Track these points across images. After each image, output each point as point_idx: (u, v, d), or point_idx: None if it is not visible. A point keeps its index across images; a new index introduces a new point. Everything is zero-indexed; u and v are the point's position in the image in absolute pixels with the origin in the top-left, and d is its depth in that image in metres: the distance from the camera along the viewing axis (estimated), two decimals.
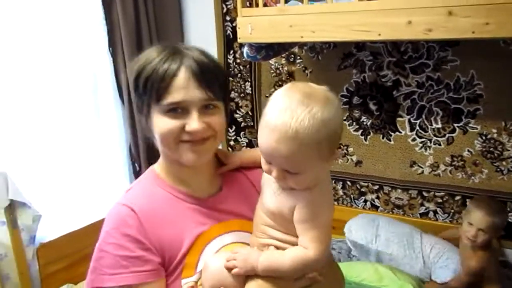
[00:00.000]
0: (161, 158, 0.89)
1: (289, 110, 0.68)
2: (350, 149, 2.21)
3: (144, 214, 0.80)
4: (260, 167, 0.80)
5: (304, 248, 0.73)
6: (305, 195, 0.74)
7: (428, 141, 2.01)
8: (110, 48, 2.10)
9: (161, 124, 0.79)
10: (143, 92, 0.80)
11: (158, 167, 0.90)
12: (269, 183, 0.80)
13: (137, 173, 2.30)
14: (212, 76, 0.80)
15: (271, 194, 0.79)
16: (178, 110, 0.79)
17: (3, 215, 1.76)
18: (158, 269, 0.78)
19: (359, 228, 2.00)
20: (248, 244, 0.84)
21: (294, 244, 0.75)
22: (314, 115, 0.67)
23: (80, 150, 2.05)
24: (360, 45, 2.06)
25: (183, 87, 0.77)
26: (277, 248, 0.77)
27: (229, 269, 0.74)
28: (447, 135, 1.97)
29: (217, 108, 0.82)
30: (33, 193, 1.83)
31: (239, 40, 1.81)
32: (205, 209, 0.85)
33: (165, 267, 0.79)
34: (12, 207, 1.76)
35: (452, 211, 2.03)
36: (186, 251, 0.80)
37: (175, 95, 0.78)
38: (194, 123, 0.78)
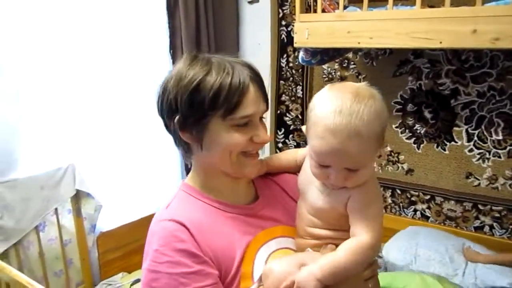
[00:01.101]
0: (197, 171, 0.87)
1: (345, 109, 0.69)
2: (401, 157, 2.17)
3: (194, 226, 0.77)
4: (285, 172, 0.92)
5: (358, 237, 0.73)
6: (361, 186, 0.75)
7: (487, 153, 1.94)
8: (171, 51, 2.21)
9: (228, 137, 0.78)
10: (209, 106, 0.76)
11: (191, 180, 0.88)
12: (311, 184, 0.80)
13: (188, 170, 2.39)
14: (265, 89, 0.83)
15: (318, 194, 0.79)
16: (248, 123, 0.79)
17: (69, 204, 1.91)
18: (218, 283, 0.75)
19: (398, 250, 1.91)
20: (292, 249, 0.84)
21: (343, 238, 0.75)
22: (370, 109, 0.69)
23: (139, 146, 2.16)
24: (417, 52, 2.02)
25: (255, 100, 0.78)
26: (332, 244, 0.78)
27: None
28: (508, 147, 1.89)
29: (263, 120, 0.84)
30: (95, 184, 1.96)
31: (295, 45, 1.83)
32: (247, 217, 0.84)
33: (221, 279, 0.76)
34: (78, 197, 1.90)
35: (511, 226, 1.94)
36: (240, 261, 0.78)
37: (248, 108, 0.77)
38: (265, 135, 0.80)
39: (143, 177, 2.19)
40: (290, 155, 0.94)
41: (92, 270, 2.01)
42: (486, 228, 2.00)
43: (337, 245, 0.75)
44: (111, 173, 2.05)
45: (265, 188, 0.92)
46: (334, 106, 0.70)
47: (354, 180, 0.73)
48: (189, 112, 0.77)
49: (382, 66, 2.14)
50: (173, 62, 2.22)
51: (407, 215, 2.21)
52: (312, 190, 0.80)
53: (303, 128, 0.79)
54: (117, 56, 2.02)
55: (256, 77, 0.80)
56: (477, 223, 2.02)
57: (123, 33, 2.03)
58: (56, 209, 1.85)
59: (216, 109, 0.76)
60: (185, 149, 0.83)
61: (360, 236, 0.73)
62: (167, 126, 0.83)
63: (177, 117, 0.78)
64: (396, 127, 2.15)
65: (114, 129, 2.05)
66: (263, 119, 0.84)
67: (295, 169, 0.91)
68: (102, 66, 1.98)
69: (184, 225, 0.76)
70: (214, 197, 0.84)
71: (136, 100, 2.10)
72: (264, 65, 2.46)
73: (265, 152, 2.40)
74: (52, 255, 1.89)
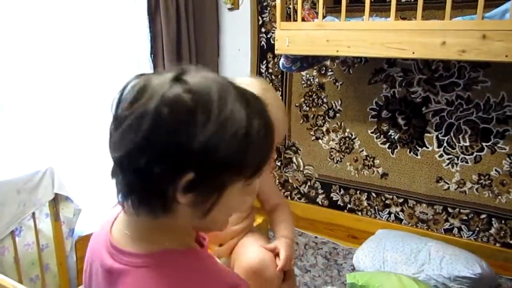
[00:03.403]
0: (172, 230, 0.63)
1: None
2: (377, 161, 2.26)
3: None
4: None
5: (283, 205, 1.05)
6: None
7: (456, 158, 2.05)
8: (152, 56, 2.22)
9: (240, 202, 0.62)
10: (244, 166, 0.56)
11: (178, 243, 0.64)
12: None
13: None
14: None
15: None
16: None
17: (47, 208, 1.88)
18: None
19: (367, 256, 1.99)
20: None
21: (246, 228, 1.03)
22: None
23: None
24: (391, 61, 2.11)
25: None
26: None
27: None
28: (475, 153, 2.00)
29: None
30: (74, 188, 1.94)
31: (276, 52, 1.89)
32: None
33: None
34: (56, 201, 1.87)
35: (478, 229, 2.05)
36: None
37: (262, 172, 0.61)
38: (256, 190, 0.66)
39: None
40: None
41: (70, 275, 1.98)
42: (455, 230, 2.11)
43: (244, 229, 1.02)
44: (91, 177, 2.03)
45: None
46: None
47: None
48: (215, 168, 0.54)
49: (358, 73, 2.22)
50: (154, 67, 2.23)
51: (381, 217, 2.30)
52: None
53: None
54: (97, 60, 2.02)
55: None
56: (446, 225, 2.13)
57: (103, 37, 2.03)
58: (33, 213, 1.82)
59: (248, 169, 0.57)
60: (161, 207, 0.57)
61: (283, 203, 1.06)
62: (138, 173, 0.54)
63: (187, 176, 0.54)
64: (372, 133, 2.24)
65: (94, 133, 2.04)
66: None
67: None
68: (82, 69, 1.97)
69: None
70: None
71: None
72: (244, 71, 2.50)
73: None
74: (28, 261, 1.86)
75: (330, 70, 2.30)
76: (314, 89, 2.37)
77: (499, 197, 1.97)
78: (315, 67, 2.29)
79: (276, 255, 0.95)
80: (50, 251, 1.91)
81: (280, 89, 2.48)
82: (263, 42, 2.46)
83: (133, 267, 0.59)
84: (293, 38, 1.82)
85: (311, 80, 2.37)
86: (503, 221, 1.98)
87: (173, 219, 0.59)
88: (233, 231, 0.96)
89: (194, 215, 0.59)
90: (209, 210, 0.58)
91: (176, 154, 0.52)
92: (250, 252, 0.92)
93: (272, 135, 0.59)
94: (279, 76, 2.46)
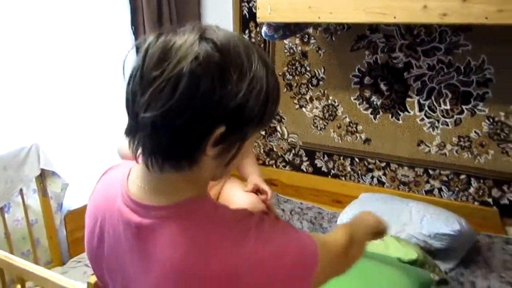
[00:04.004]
0: (194, 182, 0.64)
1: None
2: (359, 127, 2.30)
3: None
4: None
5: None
6: None
7: (436, 122, 2.10)
8: (133, 27, 2.18)
9: (251, 145, 0.67)
10: (264, 114, 0.61)
11: (200, 193, 0.65)
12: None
13: None
14: None
15: None
16: None
17: (34, 184, 1.88)
18: None
19: (350, 219, 2.04)
20: None
21: None
22: None
23: (105, 123, 2.15)
24: (373, 28, 2.12)
25: None
26: None
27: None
28: (455, 116, 2.05)
29: None
30: (61, 163, 1.94)
31: (258, 20, 1.87)
32: None
33: None
34: (43, 176, 1.87)
35: (457, 189, 2.13)
36: None
37: None
38: None
39: (109, 154, 2.17)
40: None
41: (61, 249, 2.01)
42: (436, 191, 2.19)
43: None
44: (77, 151, 2.03)
45: None
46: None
47: None
48: (243, 121, 0.58)
49: (341, 41, 2.22)
50: (136, 39, 2.19)
51: (365, 182, 2.36)
52: None
53: None
54: (79, 33, 1.97)
55: None
56: (427, 187, 2.20)
57: (83, 10, 1.97)
58: (21, 189, 1.82)
59: (265, 121, 0.63)
60: (188, 162, 0.59)
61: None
62: (173, 132, 0.56)
63: (219, 130, 0.56)
64: (355, 99, 2.27)
65: (78, 107, 2.02)
66: None
67: None
68: (64, 43, 1.93)
69: None
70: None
71: (99, 77, 2.07)
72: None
73: None
74: (18, 236, 1.88)
75: (312, 38, 2.30)
76: (297, 58, 2.37)
77: (478, 157, 2.05)
78: (297, 35, 2.28)
79: (257, 191, 1.17)
80: (40, 226, 1.93)
81: None
82: (245, 11, 2.43)
83: (164, 219, 0.61)
84: (275, 6, 1.81)
85: (294, 48, 2.36)
86: (481, 181, 2.06)
87: (197, 171, 0.61)
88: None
89: (217, 165, 0.62)
90: (231, 159, 0.62)
91: (213, 112, 0.55)
92: (238, 198, 0.98)
93: (280, 91, 0.66)
94: (262, 45, 2.45)
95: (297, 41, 2.34)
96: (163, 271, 0.60)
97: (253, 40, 2.46)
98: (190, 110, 0.54)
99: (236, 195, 1.16)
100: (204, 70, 0.54)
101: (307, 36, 2.31)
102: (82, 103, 2.04)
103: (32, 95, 1.84)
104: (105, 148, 2.17)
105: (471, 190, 2.10)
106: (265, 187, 1.22)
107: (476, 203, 2.10)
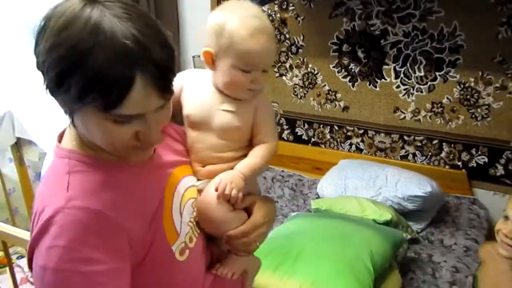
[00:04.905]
0: (78, 133, 0.69)
1: (257, 13, 0.79)
2: (338, 95, 2.33)
3: (111, 208, 0.65)
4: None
5: (269, 143, 0.85)
6: (263, 97, 0.86)
7: (411, 88, 2.15)
8: None
9: (103, 130, 0.63)
10: (77, 95, 0.60)
11: (76, 144, 0.70)
12: (215, 110, 0.83)
13: None
14: (172, 76, 0.63)
15: (226, 115, 0.83)
16: (131, 119, 0.63)
17: (10, 153, 1.85)
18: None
19: (330, 184, 2.12)
20: (195, 186, 0.84)
21: (241, 156, 0.85)
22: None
23: None
24: None
25: (141, 99, 0.60)
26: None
27: (226, 195, 0.79)
28: (429, 83, 2.11)
29: (168, 101, 0.67)
30: (38, 132, 1.91)
31: None
32: (152, 172, 0.76)
33: (138, 242, 0.68)
34: (19, 145, 1.85)
35: (430, 154, 2.21)
36: (159, 218, 0.72)
37: (129, 109, 0.60)
38: (155, 136, 0.67)
39: None
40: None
41: None
42: (410, 157, 2.26)
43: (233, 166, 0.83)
44: (53, 120, 1.99)
45: None
46: (248, 12, 0.78)
47: (264, 81, 0.84)
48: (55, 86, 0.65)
49: (319, 7, 2.22)
50: None
51: (344, 149, 2.42)
52: (219, 114, 0.83)
53: (206, 50, 0.80)
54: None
55: (162, 69, 0.60)
56: (402, 152, 2.28)
57: None
58: None
59: (82, 100, 0.60)
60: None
61: (271, 142, 0.86)
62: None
63: (45, 78, 0.65)
64: (333, 67, 2.29)
65: None
66: (168, 102, 0.67)
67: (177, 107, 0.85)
68: (38, 8, 1.86)
69: (102, 212, 0.64)
70: (112, 159, 0.70)
71: None
72: (205, 8, 2.44)
73: None
74: None
75: (291, 4, 2.29)
76: (276, 25, 2.36)
77: (450, 123, 2.12)
78: (276, 2, 2.27)
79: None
80: (18, 195, 1.92)
81: None
82: None
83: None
84: None
85: (273, 15, 2.35)
86: (452, 145, 2.15)
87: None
88: (215, 157, 0.84)
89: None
90: (72, 116, 0.68)
91: (39, 56, 0.65)
92: (208, 187, 0.83)
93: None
94: None
95: (276, 8, 2.32)
96: None
97: None
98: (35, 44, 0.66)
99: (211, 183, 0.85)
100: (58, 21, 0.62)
101: (286, 2, 2.29)
102: None
103: (5, 62, 1.79)
104: None
105: (443, 154, 2.18)
106: (217, 179, 0.84)
107: (447, 166, 2.19)
